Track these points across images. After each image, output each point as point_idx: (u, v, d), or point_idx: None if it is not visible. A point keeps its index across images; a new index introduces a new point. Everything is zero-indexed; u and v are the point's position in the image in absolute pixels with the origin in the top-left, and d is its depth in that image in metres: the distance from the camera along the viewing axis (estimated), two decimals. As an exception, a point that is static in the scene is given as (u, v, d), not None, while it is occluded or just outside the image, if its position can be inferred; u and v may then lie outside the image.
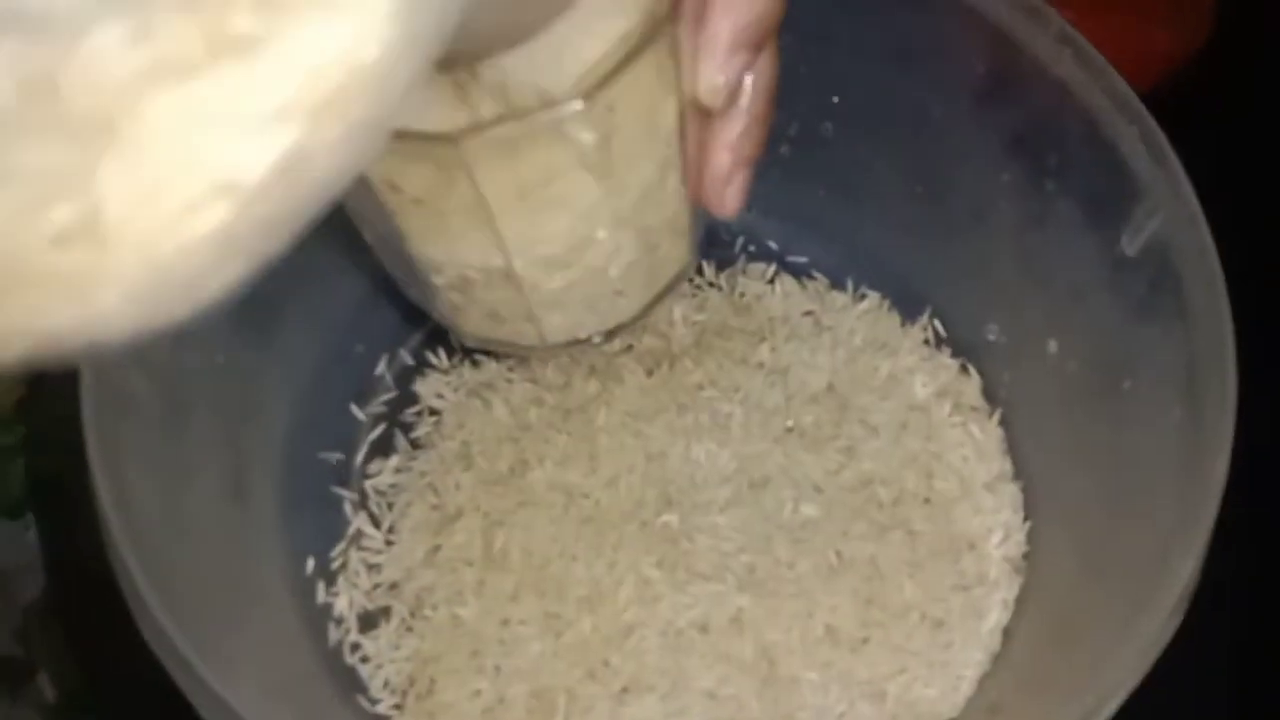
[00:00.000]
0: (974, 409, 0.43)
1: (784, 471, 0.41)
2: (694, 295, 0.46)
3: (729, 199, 0.29)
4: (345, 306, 0.43)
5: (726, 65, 0.26)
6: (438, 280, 0.29)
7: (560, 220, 0.26)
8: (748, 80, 0.28)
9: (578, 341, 0.31)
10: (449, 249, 0.27)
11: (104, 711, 0.44)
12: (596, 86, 0.24)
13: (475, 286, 0.29)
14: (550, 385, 0.43)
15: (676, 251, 0.31)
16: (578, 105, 0.24)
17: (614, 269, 0.28)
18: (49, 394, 0.43)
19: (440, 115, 0.24)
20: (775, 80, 0.29)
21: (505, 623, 0.39)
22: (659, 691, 0.37)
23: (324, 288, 0.42)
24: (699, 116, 0.28)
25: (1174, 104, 0.38)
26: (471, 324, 0.31)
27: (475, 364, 0.44)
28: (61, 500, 0.44)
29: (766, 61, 0.28)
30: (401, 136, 0.24)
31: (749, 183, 0.30)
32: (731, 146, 0.29)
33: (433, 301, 0.31)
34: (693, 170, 0.29)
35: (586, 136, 0.24)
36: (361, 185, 0.25)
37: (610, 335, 0.32)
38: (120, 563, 0.29)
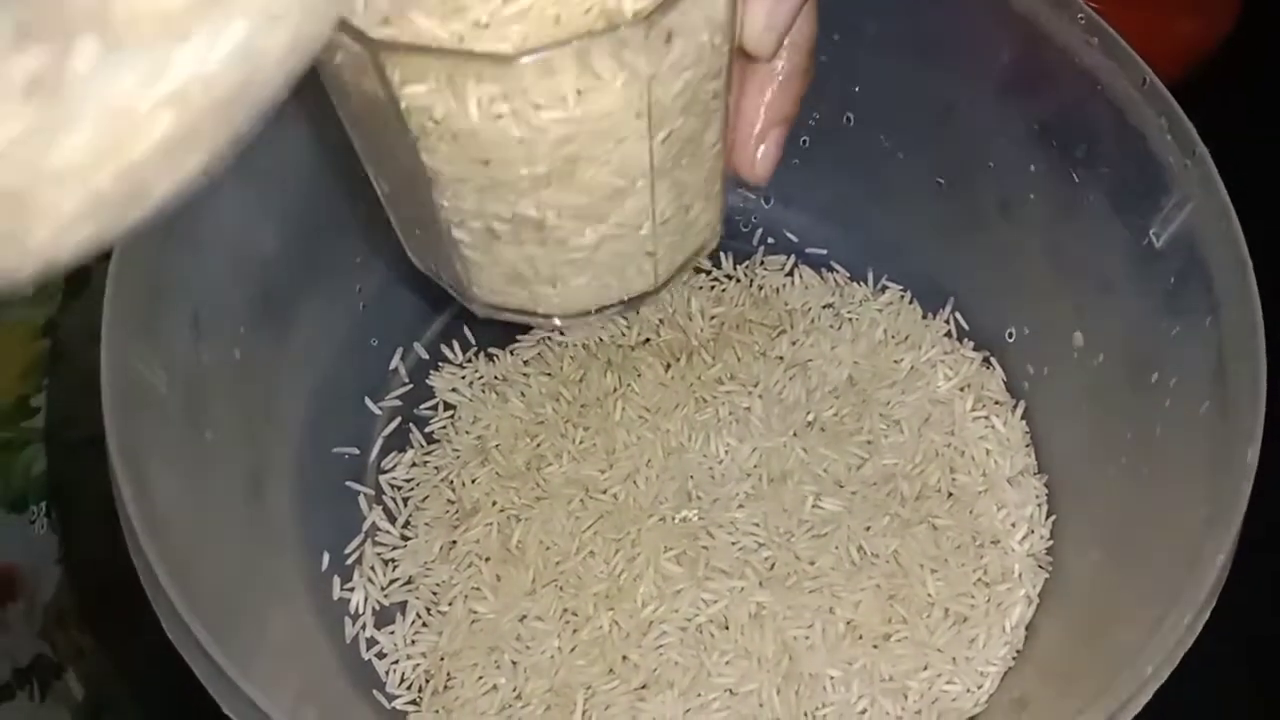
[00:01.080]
0: (997, 403, 0.42)
1: (804, 466, 0.41)
2: (711, 288, 0.45)
3: (760, 162, 0.29)
4: (359, 302, 0.43)
5: (777, 8, 0.26)
6: (460, 235, 0.28)
7: (600, 164, 0.26)
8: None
9: (598, 310, 0.31)
10: (479, 195, 0.26)
11: (129, 708, 0.44)
12: (658, 9, 0.23)
13: (500, 242, 0.28)
14: (567, 380, 0.43)
15: (706, 217, 0.30)
16: (638, 28, 0.23)
17: (646, 227, 0.27)
18: (62, 391, 0.42)
19: (490, 35, 0.23)
20: (815, 35, 0.28)
21: (523, 619, 0.38)
22: (678, 688, 0.37)
23: (338, 284, 0.42)
24: (740, 67, 0.27)
25: (1202, 93, 0.37)
26: (488, 288, 0.30)
27: (490, 358, 0.44)
28: (76, 497, 0.43)
29: (807, 15, 0.27)
30: (452, 55, 0.23)
31: (782, 147, 0.29)
32: (768, 103, 0.28)
33: (448, 263, 0.30)
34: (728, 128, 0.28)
35: (641, 65, 0.23)
36: (396, 119, 0.25)
37: (630, 305, 0.30)
38: (142, 559, 0.28)
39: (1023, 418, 0.42)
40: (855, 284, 0.45)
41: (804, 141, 0.44)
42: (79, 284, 0.40)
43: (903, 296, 0.45)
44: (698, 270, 0.45)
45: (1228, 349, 0.32)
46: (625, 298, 0.30)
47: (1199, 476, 0.32)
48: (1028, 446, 0.41)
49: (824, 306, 0.45)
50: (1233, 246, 0.33)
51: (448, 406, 0.43)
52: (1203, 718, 0.41)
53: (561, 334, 0.44)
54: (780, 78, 0.28)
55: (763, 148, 0.28)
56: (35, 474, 0.42)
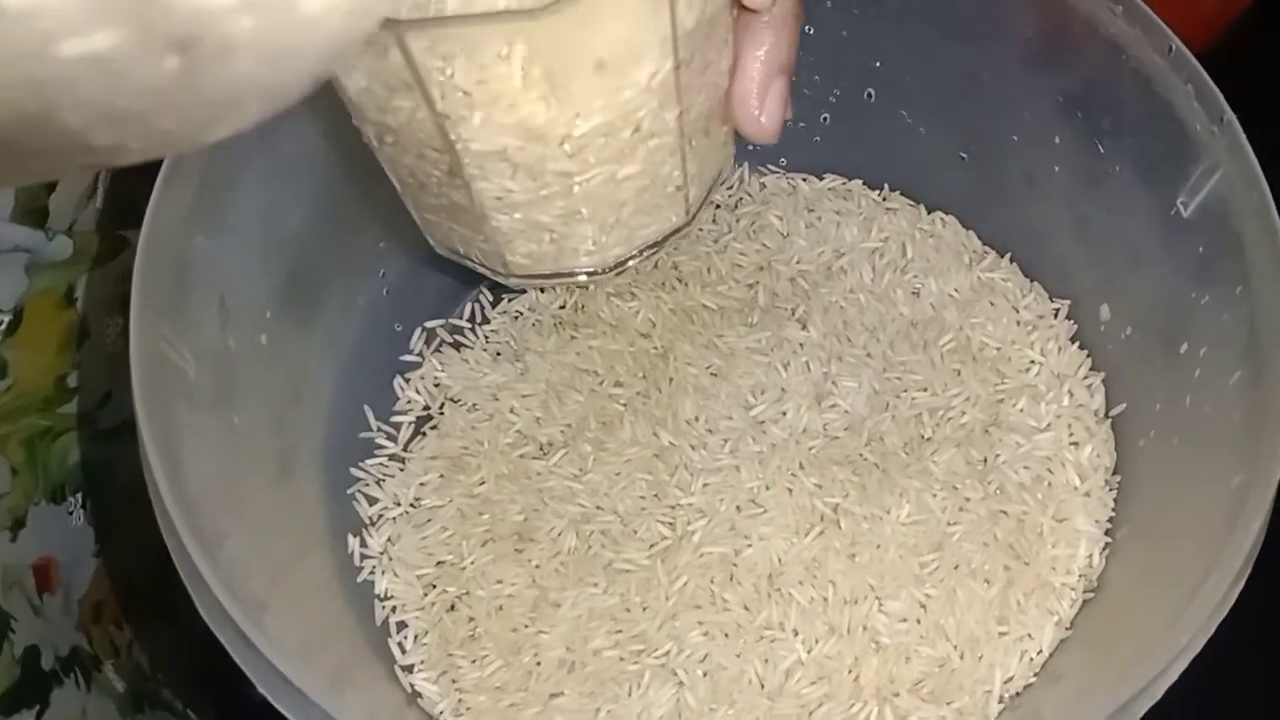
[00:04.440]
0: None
1: (858, 422, 0.40)
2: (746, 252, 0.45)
3: (767, 116, 0.28)
4: (383, 286, 0.43)
5: None
6: (492, 208, 0.28)
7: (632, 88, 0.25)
8: None
9: (638, 254, 0.30)
10: (511, 161, 0.26)
11: (168, 700, 0.44)
12: None
13: (533, 205, 0.27)
14: (594, 359, 0.43)
15: (721, 140, 0.29)
16: None
17: (673, 157, 0.27)
18: (92, 373, 0.42)
19: None
20: None
21: (551, 599, 0.38)
22: (710, 661, 0.37)
23: (362, 268, 0.42)
24: (734, 23, 0.27)
25: (1228, 61, 0.37)
26: (521, 254, 0.30)
27: (513, 339, 0.44)
28: (107, 487, 0.43)
29: None
30: (480, 19, 0.23)
31: (785, 100, 0.28)
32: (765, 55, 0.27)
33: (476, 240, 0.29)
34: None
35: None
36: (425, 103, 0.25)
37: (663, 244, 0.30)
38: (176, 540, 0.29)
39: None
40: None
41: (824, 118, 0.44)
42: (109, 254, 0.40)
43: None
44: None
45: (1259, 317, 0.32)
46: (660, 237, 0.30)
47: (1231, 446, 0.32)
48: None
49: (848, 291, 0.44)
50: (1263, 214, 0.32)
51: (471, 388, 0.43)
52: (1213, 712, 0.40)
53: (586, 287, 0.44)
54: (772, 26, 0.27)
55: (767, 101, 0.28)
56: (72, 463, 0.42)
